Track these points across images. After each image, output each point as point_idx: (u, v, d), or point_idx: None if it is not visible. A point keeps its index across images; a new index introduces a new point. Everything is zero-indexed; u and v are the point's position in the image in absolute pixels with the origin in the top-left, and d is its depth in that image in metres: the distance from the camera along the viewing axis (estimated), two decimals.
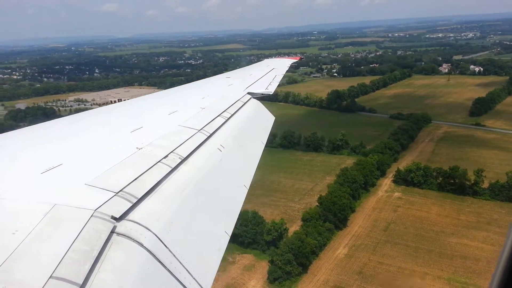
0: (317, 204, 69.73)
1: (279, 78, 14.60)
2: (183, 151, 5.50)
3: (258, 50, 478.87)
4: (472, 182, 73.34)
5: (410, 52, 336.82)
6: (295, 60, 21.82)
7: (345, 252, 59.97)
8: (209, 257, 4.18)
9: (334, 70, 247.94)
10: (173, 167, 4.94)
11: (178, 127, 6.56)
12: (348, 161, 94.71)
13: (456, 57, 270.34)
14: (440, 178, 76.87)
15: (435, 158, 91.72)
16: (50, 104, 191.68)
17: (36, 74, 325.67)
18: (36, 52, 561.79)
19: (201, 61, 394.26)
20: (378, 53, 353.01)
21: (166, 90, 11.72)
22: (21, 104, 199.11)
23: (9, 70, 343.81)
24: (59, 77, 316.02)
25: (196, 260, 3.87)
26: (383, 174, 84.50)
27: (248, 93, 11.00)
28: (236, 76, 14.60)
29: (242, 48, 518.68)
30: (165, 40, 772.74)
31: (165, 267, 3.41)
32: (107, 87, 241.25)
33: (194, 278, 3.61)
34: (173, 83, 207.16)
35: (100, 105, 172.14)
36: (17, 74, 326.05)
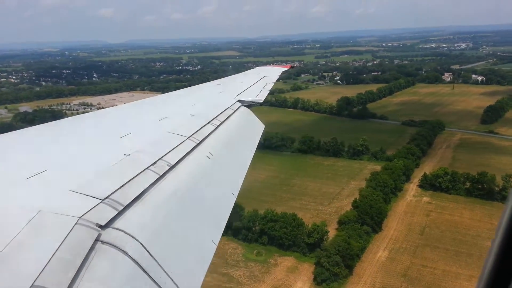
0: (350, 207, 70.20)
1: (269, 86, 14.57)
2: (172, 158, 5.42)
3: (254, 57, 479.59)
4: (500, 187, 74.66)
5: (406, 62, 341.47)
6: (286, 69, 21.82)
7: (385, 255, 60.45)
8: (195, 267, 4.07)
9: (337, 78, 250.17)
10: (161, 174, 4.86)
11: (167, 133, 6.51)
12: (369, 166, 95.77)
13: (453, 67, 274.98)
14: (468, 184, 78.03)
15: (456, 164, 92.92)
16: (54, 107, 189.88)
17: (33, 77, 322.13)
18: (29, 56, 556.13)
19: (199, 67, 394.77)
20: (375, 62, 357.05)
21: (156, 96, 11.69)
22: (25, 107, 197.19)
23: (5, 74, 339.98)
24: (57, 81, 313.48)
25: (182, 269, 3.80)
26: (407, 179, 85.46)
27: (239, 100, 10.90)
28: (227, 84, 14.61)
29: (237, 55, 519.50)
30: (159, 46, 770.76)
31: (150, 276, 3.32)
32: (109, 92, 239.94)
33: None
34: (178, 88, 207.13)
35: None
36: (14, 77, 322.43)
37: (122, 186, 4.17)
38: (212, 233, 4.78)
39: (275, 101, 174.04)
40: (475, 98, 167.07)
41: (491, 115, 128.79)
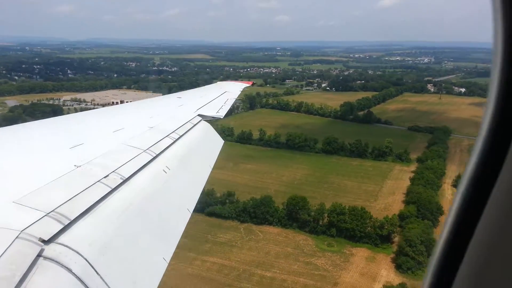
0: (398, 204, 74.59)
1: (231, 102, 14.44)
2: (126, 171, 5.24)
3: (227, 61, 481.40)
4: None
5: (379, 72, 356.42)
6: (247, 85, 21.91)
7: None
8: (144, 285, 3.97)
9: (324, 85, 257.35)
10: (113, 187, 4.68)
11: (122, 145, 6.29)
12: (397, 167, 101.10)
13: (426, 79, 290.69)
14: None
15: None
16: (45, 102, 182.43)
17: (4, 71, 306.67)
18: None
19: (175, 68, 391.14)
20: (350, 71, 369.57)
21: (112, 106, 11.34)
22: (12, 101, 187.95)
23: None
24: (30, 76, 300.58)
25: None
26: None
27: (199, 115, 10.70)
28: (188, 97, 14.30)
29: (210, 59, 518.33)
30: (123, 45, 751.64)
31: None
32: (95, 89, 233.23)
33: None
34: (170, 88, 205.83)
35: (103, 105, 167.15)
36: None
37: (70, 199, 3.98)
38: (163, 250, 4.65)
39: (276, 104, 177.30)
40: (465, 108, 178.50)
41: None
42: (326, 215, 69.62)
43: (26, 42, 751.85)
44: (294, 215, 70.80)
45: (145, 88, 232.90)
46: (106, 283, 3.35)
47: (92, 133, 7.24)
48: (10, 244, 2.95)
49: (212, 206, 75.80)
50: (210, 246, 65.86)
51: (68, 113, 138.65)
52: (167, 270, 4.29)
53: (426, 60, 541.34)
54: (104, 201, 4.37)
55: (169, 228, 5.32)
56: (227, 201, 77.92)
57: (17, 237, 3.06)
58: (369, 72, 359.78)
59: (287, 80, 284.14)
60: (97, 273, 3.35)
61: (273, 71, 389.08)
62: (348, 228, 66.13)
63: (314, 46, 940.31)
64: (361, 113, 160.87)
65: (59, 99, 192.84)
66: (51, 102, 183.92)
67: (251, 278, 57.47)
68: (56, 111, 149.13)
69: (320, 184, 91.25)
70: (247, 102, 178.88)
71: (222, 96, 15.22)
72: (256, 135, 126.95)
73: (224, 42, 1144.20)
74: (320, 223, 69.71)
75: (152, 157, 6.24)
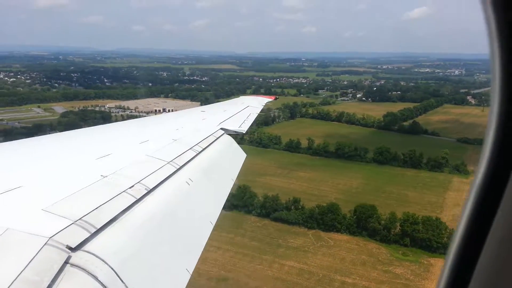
0: None
1: (253, 117, 14.48)
2: (150, 182, 5.35)
3: (255, 71, 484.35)
4: None
5: (411, 84, 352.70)
6: (270, 99, 21.89)
7: None
8: None
9: (359, 95, 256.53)
10: (138, 198, 4.79)
11: (147, 157, 6.43)
12: (455, 179, 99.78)
13: (462, 90, 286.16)
14: None
15: None
16: (92, 109, 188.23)
17: (44, 79, 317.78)
18: (23, 58, 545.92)
19: (205, 78, 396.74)
20: (381, 82, 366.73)
21: (139, 118, 11.54)
22: (58, 107, 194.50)
23: (12, 74, 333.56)
24: (69, 84, 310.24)
25: None
26: None
27: (222, 128, 10.84)
28: (211, 111, 14.50)
29: (237, 69, 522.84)
30: (150, 55, 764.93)
31: None
32: (135, 97, 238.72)
33: None
34: (206, 97, 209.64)
35: (147, 113, 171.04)
36: (23, 77, 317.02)
37: (96, 208, 4.08)
38: (187, 261, 4.69)
39: (317, 114, 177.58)
40: None
41: None
42: (398, 224, 69.25)
43: (57, 51, 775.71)
44: (363, 223, 70.77)
45: (182, 97, 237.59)
46: None
47: (118, 144, 7.35)
48: (39, 250, 3.01)
49: (278, 211, 76.73)
50: (284, 251, 66.38)
51: (115, 119, 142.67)
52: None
53: (456, 72, 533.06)
54: (129, 211, 4.44)
55: (192, 240, 5.36)
56: (293, 207, 78.62)
57: (45, 243, 3.12)
58: (402, 83, 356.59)
59: (320, 90, 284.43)
60: (122, 281, 3.40)
61: (302, 81, 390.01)
62: (424, 238, 65.63)
63: (339, 57, 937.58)
64: (405, 123, 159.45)
65: (104, 106, 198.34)
66: (97, 109, 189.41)
67: (333, 284, 57.64)
68: (105, 117, 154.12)
69: (379, 194, 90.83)
70: (287, 112, 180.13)
71: (244, 110, 15.35)
72: (304, 143, 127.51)
73: (247, 53, 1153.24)
74: (392, 232, 69.38)
75: (176, 169, 6.34)
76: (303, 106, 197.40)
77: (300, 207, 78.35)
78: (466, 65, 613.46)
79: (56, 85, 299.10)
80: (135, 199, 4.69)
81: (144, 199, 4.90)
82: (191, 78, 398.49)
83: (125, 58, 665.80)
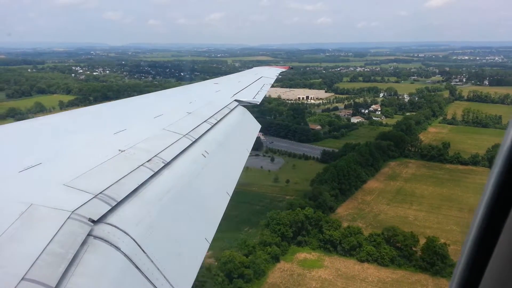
0: None
1: (267, 87, 14.52)
2: (167, 156, 5.45)
3: (299, 62, 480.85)
4: None
5: (476, 69, 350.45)
6: (284, 69, 21.80)
7: None
8: (187, 264, 4.16)
9: (464, 79, 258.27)
10: (155, 171, 4.87)
11: (163, 131, 6.52)
12: None
13: None
14: None
15: None
16: None
17: (126, 73, 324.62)
18: (62, 54, 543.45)
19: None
20: (447, 69, 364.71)
21: (152, 93, 11.48)
22: None
23: (91, 68, 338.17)
24: (146, 77, 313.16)
25: (175, 266, 3.87)
26: None
27: (236, 100, 10.90)
28: (224, 83, 14.64)
29: (272, 60, 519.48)
30: (171, 49, 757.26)
31: (142, 272, 3.35)
32: None
33: (171, 285, 3.59)
34: None
35: None
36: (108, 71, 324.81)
37: (116, 181, 4.18)
38: (205, 231, 4.80)
39: (473, 97, 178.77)
40: None
41: None
42: None
43: (77, 47, 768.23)
44: None
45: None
46: (152, 262, 3.53)
47: (133, 120, 7.46)
48: (63, 224, 3.13)
49: None
50: None
51: None
52: None
53: (496, 58, 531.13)
54: (148, 183, 4.57)
55: (210, 210, 5.51)
56: None
57: (68, 217, 3.24)
58: (473, 71, 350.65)
59: (411, 77, 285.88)
60: (144, 251, 3.52)
61: (365, 70, 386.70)
62: None
63: (359, 47, 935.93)
64: None
65: None
66: None
67: None
68: None
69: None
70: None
71: (258, 81, 15.39)
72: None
73: (261, 45, 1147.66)
74: None
75: (192, 142, 6.48)
76: (432, 91, 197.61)
77: None
78: (501, 52, 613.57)
79: (143, 77, 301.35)
80: (153, 172, 4.80)
81: (162, 172, 5.02)
82: (240, 69, 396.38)
83: (155, 52, 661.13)
